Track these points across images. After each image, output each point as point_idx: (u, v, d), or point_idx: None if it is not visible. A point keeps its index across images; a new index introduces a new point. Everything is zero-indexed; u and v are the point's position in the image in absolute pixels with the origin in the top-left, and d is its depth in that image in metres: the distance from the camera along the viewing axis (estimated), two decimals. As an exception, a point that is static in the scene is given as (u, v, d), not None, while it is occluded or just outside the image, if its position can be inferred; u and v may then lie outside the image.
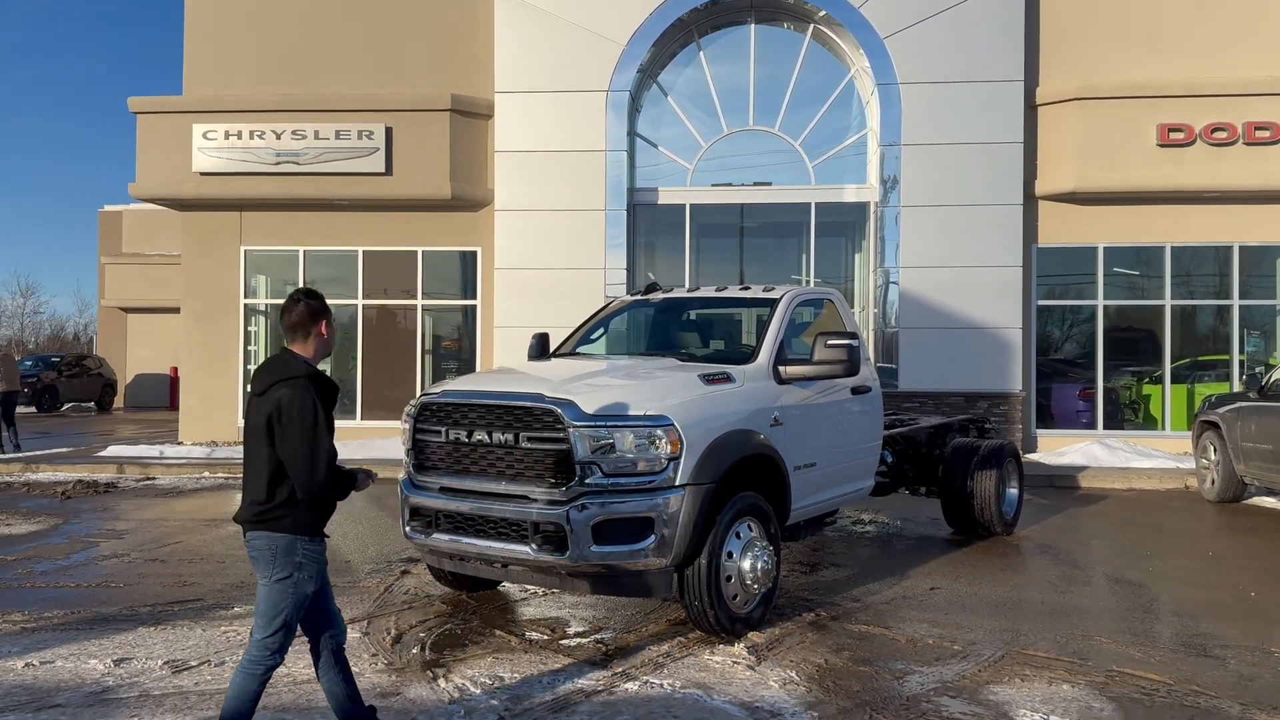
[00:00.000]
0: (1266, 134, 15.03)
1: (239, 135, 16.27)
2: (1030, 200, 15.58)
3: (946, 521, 9.29)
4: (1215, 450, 11.26)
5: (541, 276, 15.82)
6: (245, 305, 17.38)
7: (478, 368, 16.78)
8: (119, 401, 32.93)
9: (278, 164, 16.25)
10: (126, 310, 33.46)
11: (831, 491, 7.08)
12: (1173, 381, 15.88)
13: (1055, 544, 8.96)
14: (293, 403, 3.73)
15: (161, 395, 32.67)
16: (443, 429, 5.96)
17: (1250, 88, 15.08)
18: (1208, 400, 12.03)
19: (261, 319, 17.85)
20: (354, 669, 5.33)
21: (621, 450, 5.47)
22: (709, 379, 6.10)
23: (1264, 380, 10.63)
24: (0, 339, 50.91)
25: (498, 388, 5.93)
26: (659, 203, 16.38)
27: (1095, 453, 13.98)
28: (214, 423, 17.15)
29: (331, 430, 3.82)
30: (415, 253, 17.07)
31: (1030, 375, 15.77)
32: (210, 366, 17.21)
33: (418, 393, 17.84)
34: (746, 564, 5.81)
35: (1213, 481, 11.32)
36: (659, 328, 7.75)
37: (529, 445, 5.61)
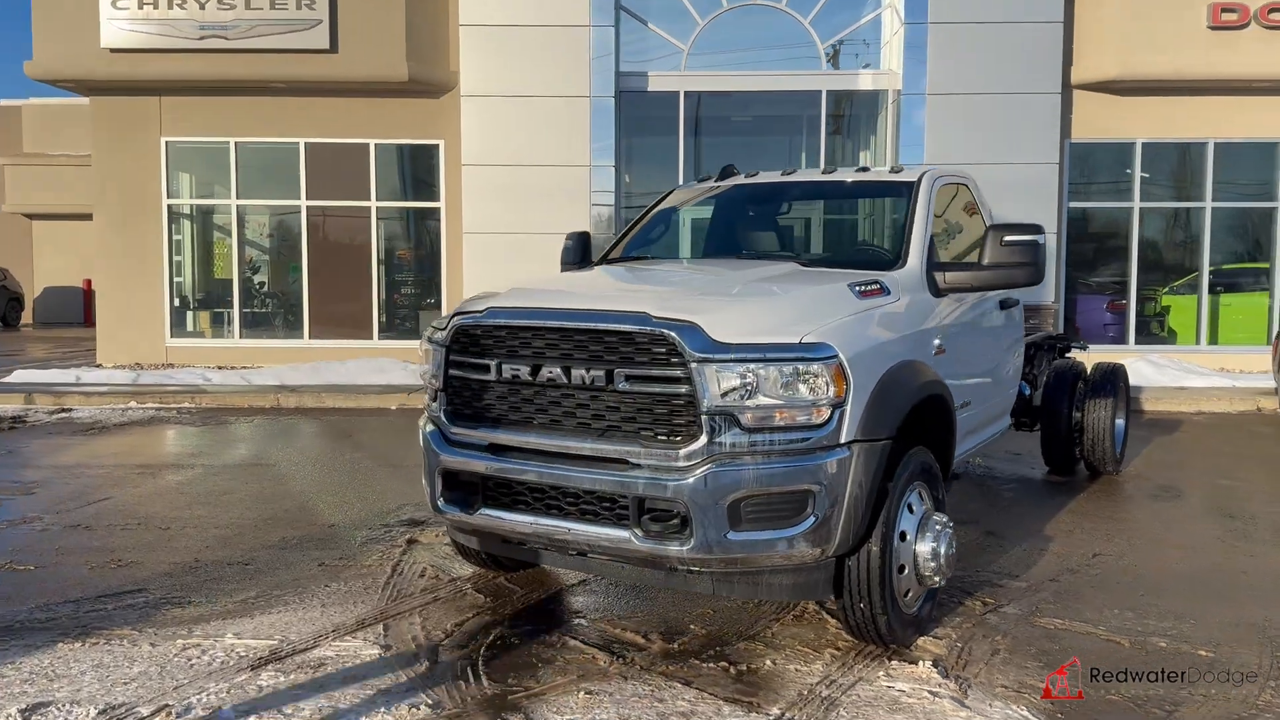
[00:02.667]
0: (1327, 16, 13.54)
1: (155, 4, 13.80)
2: (1065, 90, 13.95)
3: (1044, 458, 7.81)
4: (1309, 369, 9.96)
5: (517, 175, 13.83)
6: (169, 207, 15.07)
7: (443, 281, 14.81)
8: (27, 317, 30.12)
9: (202, 39, 13.85)
10: (31, 217, 30.33)
11: (978, 437, 5.50)
12: (1210, 291, 14.60)
13: (1178, 485, 7.55)
14: None
15: (75, 310, 29.97)
16: (491, 363, 4.18)
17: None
18: (1293, 312, 10.71)
19: (186, 224, 15.56)
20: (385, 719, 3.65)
21: (768, 394, 3.75)
22: (862, 290, 4.39)
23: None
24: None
25: (576, 304, 4.13)
26: (648, 89, 14.39)
27: (1142, 370, 12.65)
28: (137, 343, 14.98)
29: None
30: (367, 146, 14.88)
31: (1060, 285, 14.34)
32: (130, 278, 14.96)
33: (375, 309, 15.89)
34: (925, 548, 4.19)
35: (1305, 404, 10.05)
36: (750, 223, 5.95)
37: (629, 387, 3.86)
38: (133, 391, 12.02)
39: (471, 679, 3.95)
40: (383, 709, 3.68)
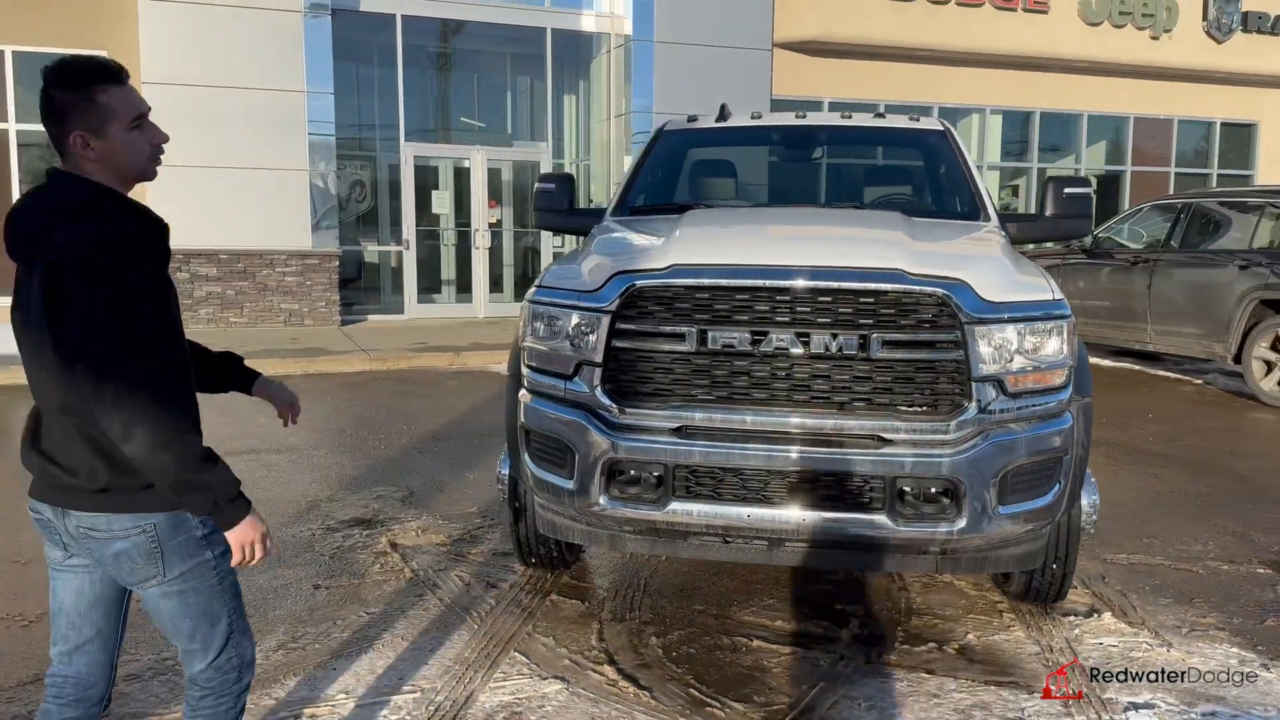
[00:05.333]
0: (974, -5, 15.47)
1: None
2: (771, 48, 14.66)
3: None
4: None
5: (216, 98, 11.85)
6: None
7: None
8: None
9: None
10: None
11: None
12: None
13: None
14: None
15: None
16: (689, 330, 3.50)
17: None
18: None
19: None
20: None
21: (1027, 356, 3.53)
22: (1009, 245, 4.27)
23: (1090, 240, 10.86)
24: None
25: (812, 260, 3.55)
26: (360, 9, 12.93)
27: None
28: None
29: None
30: (2, 53, 11.91)
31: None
32: None
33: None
34: (1086, 501, 4.19)
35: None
36: (797, 170, 5.53)
37: (887, 354, 3.43)
38: None
39: (716, 703, 3.36)
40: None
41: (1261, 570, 4.72)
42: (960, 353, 3.42)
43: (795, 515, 3.50)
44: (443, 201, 14.04)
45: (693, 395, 3.56)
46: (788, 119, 5.52)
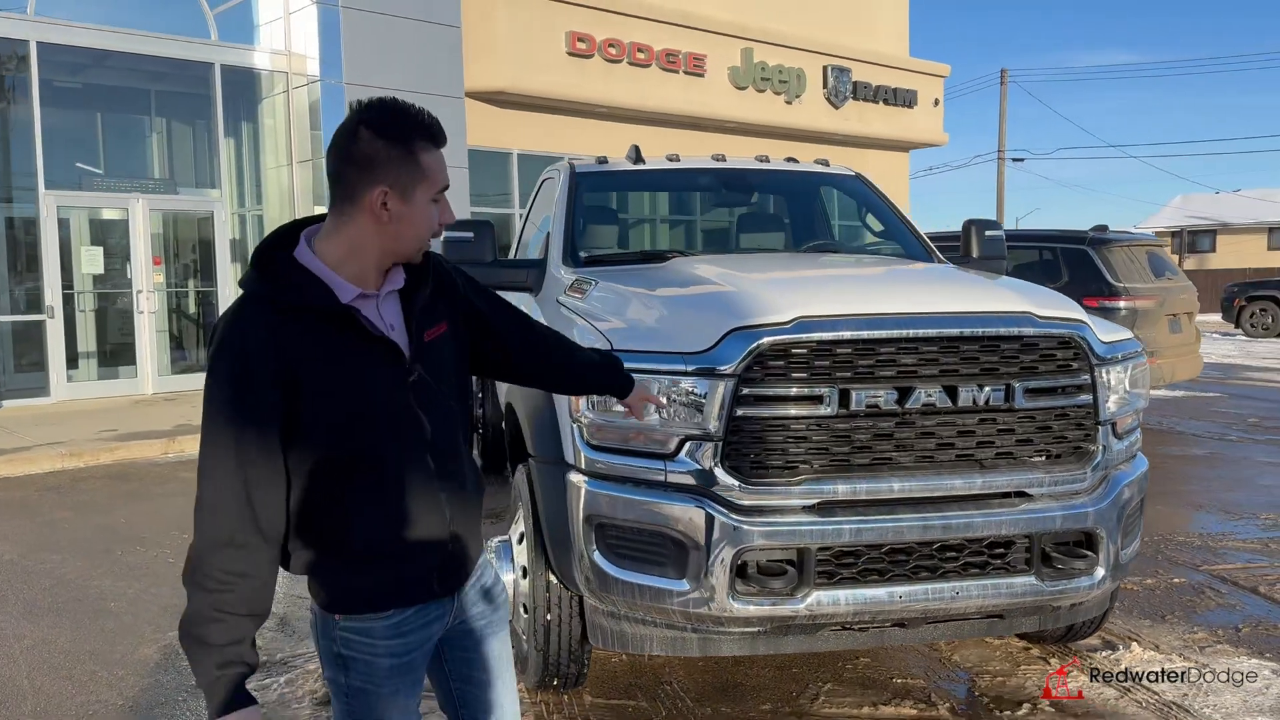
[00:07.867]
0: (644, 55, 16.05)
1: None
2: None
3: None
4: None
5: None
6: None
7: None
8: None
9: None
10: None
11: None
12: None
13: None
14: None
15: None
16: (828, 391, 3.04)
17: (633, 9, 15.85)
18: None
19: None
20: None
21: (1128, 395, 3.49)
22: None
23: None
24: None
25: (947, 305, 3.20)
26: (-13, 32, 10.66)
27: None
28: None
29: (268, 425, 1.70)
30: None
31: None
32: None
33: None
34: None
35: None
36: (744, 215, 5.04)
37: (1032, 403, 3.20)
38: None
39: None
40: None
41: (1177, 580, 5.07)
42: (1090, 396, 3.28)
43: (948, 588, 3.15)
44: (95, 259, 11.86)
45: (833, 465, 3.09)
46: (707, 162, 5.18)
